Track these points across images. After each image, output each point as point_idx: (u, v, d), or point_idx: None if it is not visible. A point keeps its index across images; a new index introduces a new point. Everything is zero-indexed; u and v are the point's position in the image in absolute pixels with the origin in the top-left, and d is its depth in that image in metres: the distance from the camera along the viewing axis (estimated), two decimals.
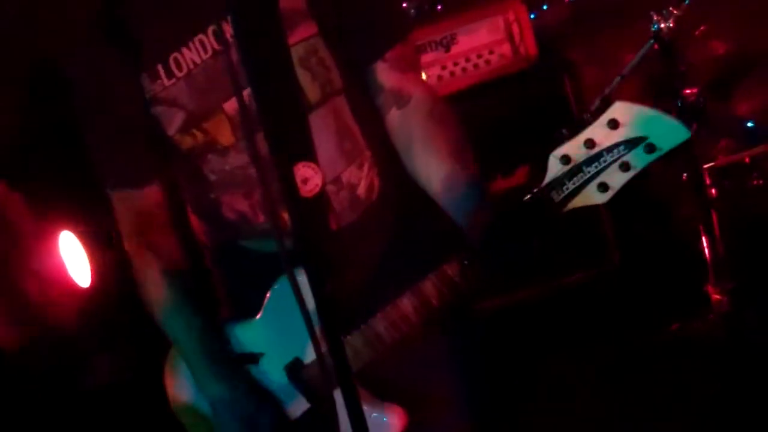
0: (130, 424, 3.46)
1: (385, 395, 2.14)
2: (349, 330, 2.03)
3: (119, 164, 2.15)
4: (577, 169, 1.73)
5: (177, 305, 2.20)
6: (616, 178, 1.71)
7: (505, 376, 2.56)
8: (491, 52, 3.84)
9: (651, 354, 3.69)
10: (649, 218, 4.10)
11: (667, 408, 3.40)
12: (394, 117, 2.16)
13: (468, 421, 2.33)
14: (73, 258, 3.41)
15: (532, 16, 3.90)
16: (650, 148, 1.66)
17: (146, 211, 2.19)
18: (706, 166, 3.36)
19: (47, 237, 3.39)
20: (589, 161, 1.72)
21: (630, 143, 1.67)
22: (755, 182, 3.41)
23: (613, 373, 3.71)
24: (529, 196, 1.80)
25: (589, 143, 1.70)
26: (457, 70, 3.87)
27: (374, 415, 2.08)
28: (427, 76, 3.76)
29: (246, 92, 1.99)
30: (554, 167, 1.75)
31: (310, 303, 1.61)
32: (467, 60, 3.85)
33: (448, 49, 3.85)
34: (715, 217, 3.36)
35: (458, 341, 2.34)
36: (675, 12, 3.13)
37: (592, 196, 1.74)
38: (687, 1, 3.11)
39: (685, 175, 3.47)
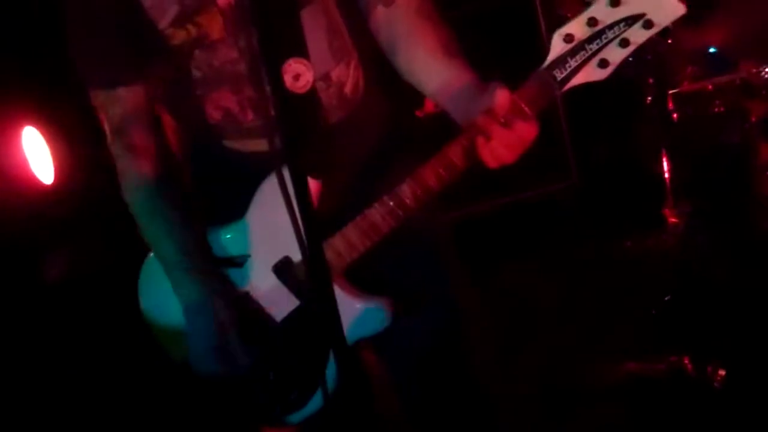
0: (91, 318, 3.46)
1: (373, 290, 2.17)
2: (340, 226, 2.06)
3: (106, 64, 2.11)
4: (580, 46, 1.81)
5: (156, 207, 2.19)
6: (616, 54, 1.80)
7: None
8: None
9: (605, 267, 3.84)
10: (610, 139, 4.20)
11: (615, 318, 3.56)
12: (379, 14, 2.17)
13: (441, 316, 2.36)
14: (36, 154, 3.36)
15: None
16: (648, 24, 1.76)
17: (130, 113, 2.16)
18: (671, 91, 3.42)
19: (9, 132, 3.33)
20: (592, 39, 1.80)
21: (630, 20, 1.76)
22: (717, 110, 3.49)
23: (567, 284, 3.86)
24: (531, 76, 1.86)
25: (592, 21, 1.78)
26: None
27: (359, 305, 2.12)
28: None
29: None
30: (558, 46, 1.83)
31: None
32: None
33: None
34: (675, 141, 3.44)
35: (432, 241, 2.36)
36: None
37: (593, 72, 1.83)
38: None
39: (649, 98, 3.53)
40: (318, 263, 1.62)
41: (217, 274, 2.18)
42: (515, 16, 3.89)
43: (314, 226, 1.61)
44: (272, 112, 2.08)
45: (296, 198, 1.60)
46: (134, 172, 2.20)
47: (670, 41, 3.39)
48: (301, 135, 1.60)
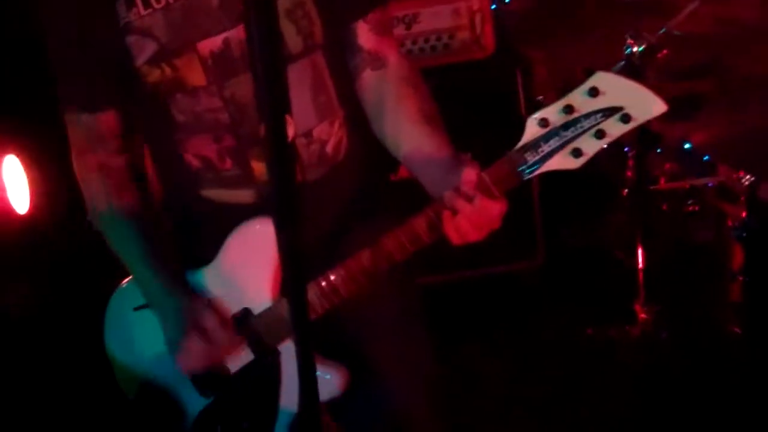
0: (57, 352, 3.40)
1: (328, 354, 2.16)
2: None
3: (80, 87, 2.13)
4: (554, 132, 1.80)
5: (125, 225, 2.19)
6: (591, 145, 1.79)
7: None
8: (451, 37, 3.86)
9: (564, 352, 3.82)
10: (581, 225, 4.24)
11: (572, 408, 3.52)
12: (367, 78, 2.20)
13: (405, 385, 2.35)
14: (14, 183, 3.30)
15: (493, 6, 3.93)
16: (626, 118, 1.74)
17: (98, 134, 2.17)
18: (651, 187, 3.48)
19: None
20: (566, 126, 1.79)
21: (607, 111, 1.75)
22: (691, 208, 3.56)
23: (523, 368, 3.81)
24: (503, 157, 1.87)
25: (568, 109, 1.77)
26: (415, 49, 3.88)
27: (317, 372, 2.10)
28: None
29: (224, 36, 2.05)
30: (531, 129, 1.82)
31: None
32: (426, 41, 3.86)
33: (409, 27, 3.85)
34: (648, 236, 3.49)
35: (401, 306, 2.36)
36: (649, 36, 3.23)
37: (565, 160, 1.82)
38: (663, 30, 3.22)
39: (626, 190, 3.59)
40: (302, 321, 1.58)
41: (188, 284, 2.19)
42: (498, 91, 3.91)
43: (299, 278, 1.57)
44: (250, 164, 2.12)
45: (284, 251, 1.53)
46: (98, 185, 2.21)
47: (659, 150, 3.47)
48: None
